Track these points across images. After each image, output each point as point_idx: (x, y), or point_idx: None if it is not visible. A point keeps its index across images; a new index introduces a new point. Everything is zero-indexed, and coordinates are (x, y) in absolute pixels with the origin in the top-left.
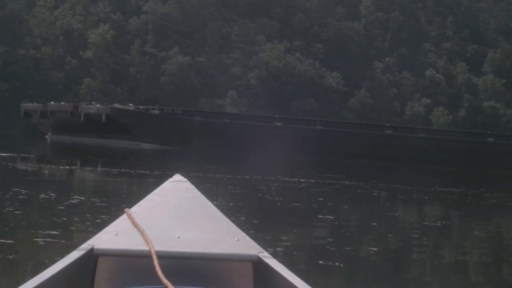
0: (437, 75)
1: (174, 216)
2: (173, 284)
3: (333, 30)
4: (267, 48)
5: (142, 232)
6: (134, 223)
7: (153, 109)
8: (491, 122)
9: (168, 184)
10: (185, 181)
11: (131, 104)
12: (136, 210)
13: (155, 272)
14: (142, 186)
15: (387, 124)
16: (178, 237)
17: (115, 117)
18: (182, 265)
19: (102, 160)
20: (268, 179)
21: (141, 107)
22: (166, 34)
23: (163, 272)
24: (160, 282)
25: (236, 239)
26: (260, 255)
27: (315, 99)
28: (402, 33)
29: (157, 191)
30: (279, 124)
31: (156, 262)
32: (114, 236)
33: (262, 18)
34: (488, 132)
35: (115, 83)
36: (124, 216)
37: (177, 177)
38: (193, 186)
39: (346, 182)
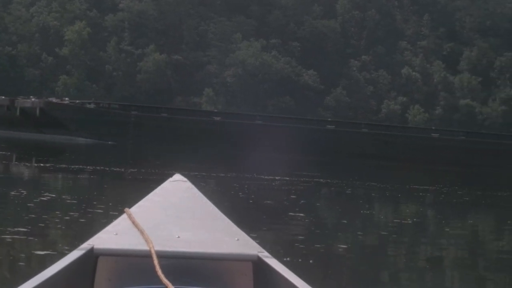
0: (413, 73)
1: (174, 215)
2: (173, 284)
3: (310, 28)
4: (244, 46)
5: (142, 232)
6: (134, 222)
7: (89, 103)
8: (467, 121)
9: (168, 184)
10: (185, 181)
11: (66, 98)
12: (136, 209)
13: (155, 272)
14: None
15: (364, 123)
16: (178, 237)
17: (49, 112)
18: (182, 265)
19: (34, 155)
20: (242, 177)
21: (77, 101)
22: (143, 32)
23: (163, 272)
24: (160, 282)
25: (236, 238)
26: (260, 254)
27: (291, 97)
28: (378, 31)
29: (157, 190)
30: (218, 118)
31: (156, 261)
32: (114, 236)
33: (239, 16)
34: (433, 128)
35: (91, 80)
36: (124, 216)
37: (177, 176)
38: (193, 186)
39: (321, 180)
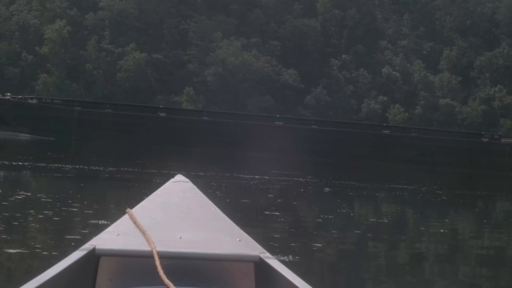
0: (394, 72)
1: (175, 216)
2: (174, 284)
3: (290, 27)
4: (224, 45)
5: (143, 232)
6: (135, 223)
7: (31, 98)
8: (447, 120)
9: (169, 185)
10: (186, 182)
11: (8, 94)
12: (138, 210)
13: (156, 272)
14: None
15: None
16: (180, 237)
17: None
18: (183, 266)
19: None
20: (220, 176)
21: (19, 96)
22: (123, 30)
23: (165, 272)
24: (161, 282)
25: (238, 239)
26: (262, 255)
27: (271, 96)
28: (358, 30)
29: (159, 191)
30: (163, 114)
31: (157, 262)
32: (116, 236)
33: (219, 14)
34: (384, 124)
35: (71, 79)
36: (126, 216)
37: (179, 177)
38: (194, 187)
39: (301, 179)
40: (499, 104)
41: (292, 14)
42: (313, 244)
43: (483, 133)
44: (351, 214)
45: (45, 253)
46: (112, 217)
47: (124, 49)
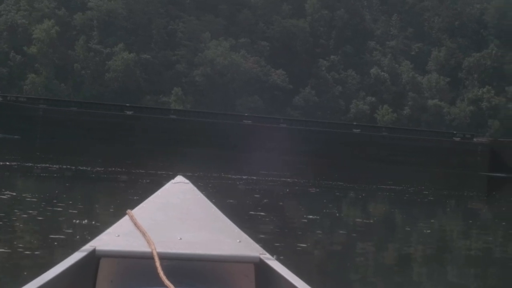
0: (382, 73)
1: (176, 217)
2: (175, 286)
3: (279, 28)
4: (213, 45)
5: (144, 234)
6: (136, 224)
7: None
8: (436, 120)
9: (170, 186)
10: (187, 183)
11: None
12: (138, 211)
13: (157, 274)
14: None
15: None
16: (180, 239)
17: None
18: (184, 267)
19: None
20: (207, 176)
21: None
22: (111, 31)
23: (165, 273)
24: (162, 283)
25: (238, 240)
26: (262, 256)
27: (260, 97)
28: (347, 31)
29: (159, 192)
30: (130, 113)
31: (158, 263)
32: (116, 238)
33: (208, 15)
34: (354, 123)
35: (59, 79)
36: (126, 218)
37: (179, 178)
38: (195, 188)
39: (288, 180)
40: (487, 105)
41: (281, 15)
42: (298, 244)
43: (455, 132)
44: (337, 214)
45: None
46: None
47: (113, 49)
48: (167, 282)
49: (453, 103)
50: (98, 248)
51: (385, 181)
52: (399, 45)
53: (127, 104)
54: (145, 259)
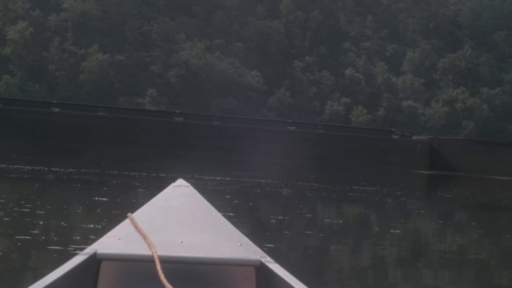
0: (357, 74)
1: (177, 220)
2: None
3: (253, 29)
4: (187, 46)
5: (145, 237)
6: (137, 227)
7: None
8: (410, 121)
9: (171, 189)
10: (187, 186)
11: None
12: (139, 214)
13: (158, 277)
14: None
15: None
16: (181, 242)
17: None
18: (185, 270)
19: None
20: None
21: None
22: (86, 32)
23: (166, 276)
24: (163, 286)
25: (239, 244)
26: (263, 260)
27: (234, 98)
28: (321, 32)
29: (160, 195)
30: (56, 110)
31: (159, 266)
32: (117, 241)
33: (182, 16)
34: (289, 121)
35: (34, 80)
36: (127, 221)
37: (180, 181)
38: (195, 191)
39: (262, 181)
40: (462, 106)
41: (256, 16)
42: (264, 245)
43: (393, 130)
44: (307, 215)
45: None
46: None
47: (87, 51)
48: (168, 285)
49: (428, 104)
50: (99, 251)
51: (322, 181)
52: (373, 46)
53: (54, 101)
54: (146, 262)
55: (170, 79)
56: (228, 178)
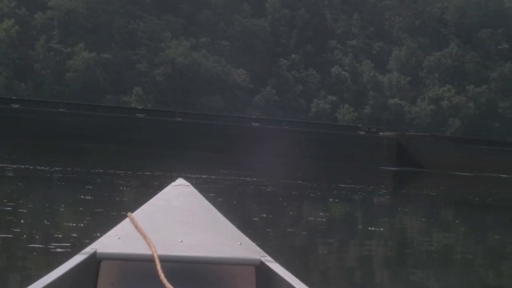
0: (343, 72)
1: (176, 220)
2: None
3: (239, 27)
4: (173, 44)
5: (145, 236)
6: (137, 227)
7: None
8: (396, 119)
9: (170, 188)
10: (187, 185)
11: None
12: (139, 214)
13: (157, 276)
14: None
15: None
16: (181, 241)
17: None
18: (184, 269)
19: None
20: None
21: None
22: (72, 30)
23: (166, 276)
24: (163, 286)
25: (239, 243)
26: (263, 259)
27: (220, 96)
28: (307, 30)
29: (160, 195)
30: (16, 106)
31: (158, 266)
32: (117, 240)
33: (168, 14)
34: (253, 117)
35: (19, 79)
36: (127, 220)
37: (180, 181)
38: (195, 190)
39: (247, 179)
40: (448, 104)
41: (241, 14)
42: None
43: (359, 126)
44: (291, 212)
45: None
46: None
47: (73, 49)
48: (168, 284)
49: (414, 102)
50: (99, 250)
51: (293, 177)
52: (360, 44)
53: (14, 97)
54: (146, 261)
55: (156, 77)
56: (214, 176)
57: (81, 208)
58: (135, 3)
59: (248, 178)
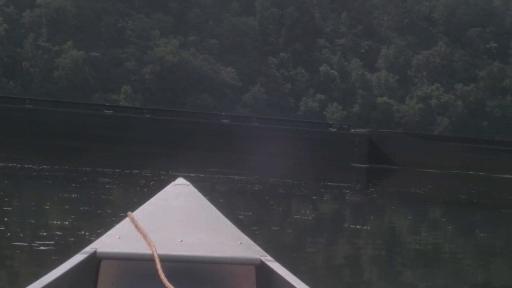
0: (331, 71)
1: (177, 219)
2: None
3: (228, 26)
4: (162, 43)
5: (145, 236)
6: (137, 226)
7: None
8: (385, 118)
9: (170, 188)
10: (187, 185)
11: None
12: (139, 213)
13: (158, 276)
14: None
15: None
16: (181, 241)
17: None
18: (185, 269)
19: None
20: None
21: None
22: (60, 28)
23: (166, 275)
24: (163, 285)
25: (239, 242)
26: (263, 259)
27: (209, 94)
28: (296, 29)
29: (160, 194)
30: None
31: (158, 265)
32: (117, 240)
33: (157, 13)
34: (223, 113)
35: (8, 77)
36: (127, 220)
37: (180, 180)
38: (195, 190)
39: (236, 177)
40: (436, 103)
41: (230, 13)
42: None
43: (331, 123)
44: (277, 210)
45: None
46: None
47: (62, 47)
48: (168, 284)
49: (402, 101)
50: (99, 250)
51: (268, 173)
52: (348, 43)
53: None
54: (146, 261)
55: (145, 75)
56: (202, 175)
57: (66, 207)
58: (124, 1)
59: (236, 177)
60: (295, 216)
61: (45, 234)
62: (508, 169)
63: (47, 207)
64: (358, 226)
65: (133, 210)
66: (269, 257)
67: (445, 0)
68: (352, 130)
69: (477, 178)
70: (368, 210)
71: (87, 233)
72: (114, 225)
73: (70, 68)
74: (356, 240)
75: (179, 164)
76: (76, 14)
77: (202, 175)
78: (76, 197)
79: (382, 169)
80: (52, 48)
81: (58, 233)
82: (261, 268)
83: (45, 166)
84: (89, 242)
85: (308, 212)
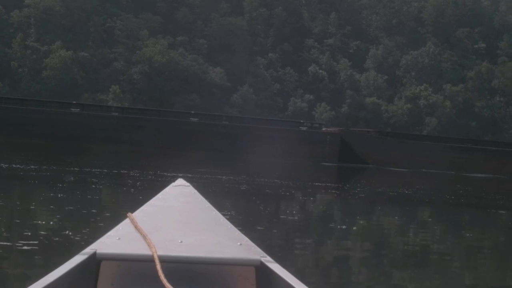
0: (320, 71)
1: (176, 220)
2: None
3: (217, 26)
4: (150, 43)
5: (144, 237)
6: (136, 227)
7: None
8: (373, 118)
9: (170, 189)
10: (187, 186)
11: None
12: (139, 214)
13: (158, 277)
14: None
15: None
16: (181, 242)
17: None
18: (184, 270)
19: None
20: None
21: None
22: (49, 28)
23: (166, 276)
24: (163, 286)
25: (239, 243)
26: (263, 259)
27: (198, 95)
28: (285, 29)
29: (160, 195)
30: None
31: (158, 266)
32: (117, 241)
33: (146, 13)
34: (192, 112)
35: None
36: (127, 221)
37: (180, 181)
38: (195, 191)
39: (224, 177)
40: (425, 103)
41: (219, 13)
42: None
43: (301, 121)
44: (263, 211)
45: None
46: None
47: (50, 47)
48: (168, 285)
49: (391, 101)
50: (99, 251)
51: (229, 173)
52: (337, 43)
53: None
54: (146, 262)
55: (133, 75)
56: (190, 175)
57: (52, 206)
58: (112, 1)
59: (224, 177)
60: (262, 214)
61: (29, 234)
62: (482, 168)
63: (32, 207)
64: (332, 225)
65: (127, 210)
66: (268, 258)
67: (434, 0)
68: (324, 129)
69: (448, 176)
70: (338, 208)
71: (71, 233)
72: (114, 226)
73: (58, 68)
74: (344, 241)
75: (168, 164)
76: (65, 14)
77: (190, 175)
78: (62, 197)
79: (353, 168)
80: (41, 48)
81: (42, 233)
82: (261, 269)
83: (32, 166)
84: (75, 242)
85: (276, 210)
